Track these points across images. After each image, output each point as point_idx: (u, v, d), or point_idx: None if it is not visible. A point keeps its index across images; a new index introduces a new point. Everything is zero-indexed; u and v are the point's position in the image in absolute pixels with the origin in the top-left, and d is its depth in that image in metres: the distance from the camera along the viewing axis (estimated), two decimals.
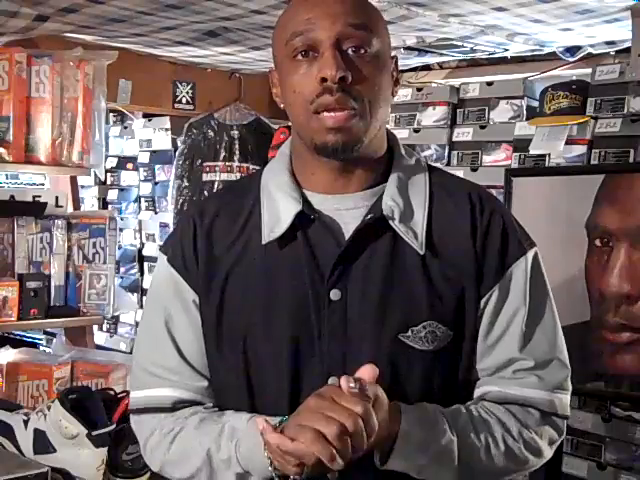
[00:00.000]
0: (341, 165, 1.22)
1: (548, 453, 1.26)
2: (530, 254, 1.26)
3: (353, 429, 1.01)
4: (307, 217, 1.22)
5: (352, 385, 1.04)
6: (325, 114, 1.16)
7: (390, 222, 1.20)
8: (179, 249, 1.28)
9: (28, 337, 4.07)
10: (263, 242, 1.22)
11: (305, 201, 1.23)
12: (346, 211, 1.23)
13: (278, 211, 1.23)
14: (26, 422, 1.79)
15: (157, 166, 3.73)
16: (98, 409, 1.74)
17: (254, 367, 1.22)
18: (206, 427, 1.21)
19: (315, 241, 1.21)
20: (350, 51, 1.16)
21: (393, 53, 1.27)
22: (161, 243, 3.72)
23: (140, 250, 3.84)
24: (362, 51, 1.17)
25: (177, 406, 1.26)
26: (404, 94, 3.06)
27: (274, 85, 1.27)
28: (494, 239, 1.24)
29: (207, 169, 3.48)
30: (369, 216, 1.20)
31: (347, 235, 1.21)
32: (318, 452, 1.01)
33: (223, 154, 3.47)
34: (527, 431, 1.22)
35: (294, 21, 1.18)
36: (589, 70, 2.62)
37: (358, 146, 1.18)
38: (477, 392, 1.25)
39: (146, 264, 3.82)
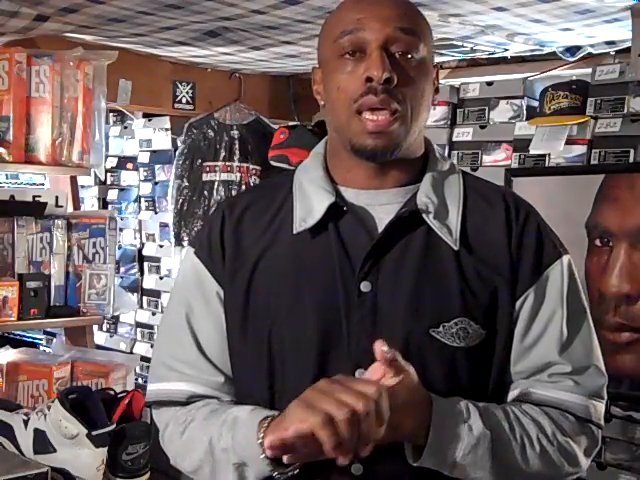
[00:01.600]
0: (377, 166, 1.23)
1: (584, 462, 1.22)
2: (565, 259, 1.26)
3: (364, 410, 0.99)
4: (340, 209, 1.22)
5: (385, 349, 1.04)
6: (367, 115, 1.17)
7: (424, 217, 1.21)
8: (206, 241, 1.29)
9: (28, 337, 4.07)
10: (294, 232, 1.22)
11: (338, 194, 1.24)
12: (379, 206, 1.23)
13: (311, 202, 1.24)
14: (26, 422, 1.79)
15: (157, 166, 3.73)
16: (98, 409, 1.74)
17: (279, 357, 1.21)
18: (213, 418, 1.20)
19: (347, 233, 1.21)
20: (397, 54, 1.18)
21: None
22: (161, 243, 3.73)
23: (140, 250, 3.85)
24: (409, 56, 1.18)
25: (191, 400, 1.26)
26: None
27: (315, 82, 1.29)
28: (530, 241, 1.23)
29: (207, 169, 3.48)
30: (403, 210, 1.21)
31: (380, 229, 1.21)
32: (326, 437, 0.98)
33: (223, 154, 3.47)
34: (561, 434, 1.19)
35: (344, 21, 1.20)
36: (589, 70, 2.62)
37: (397, 151, 1.20)
38: (511, 395, 1.23)
39: (146, 264, 3.83)
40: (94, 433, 1.69)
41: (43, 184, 3.77)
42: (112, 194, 3.99)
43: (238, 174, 3.47)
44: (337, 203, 1.22)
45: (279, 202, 1.28)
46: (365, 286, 1.18)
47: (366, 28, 1.17)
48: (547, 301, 1.22)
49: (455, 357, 1.17)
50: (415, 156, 1.26)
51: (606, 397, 1.25)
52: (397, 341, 1.14)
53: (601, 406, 1.24)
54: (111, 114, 3.88)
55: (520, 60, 2.97)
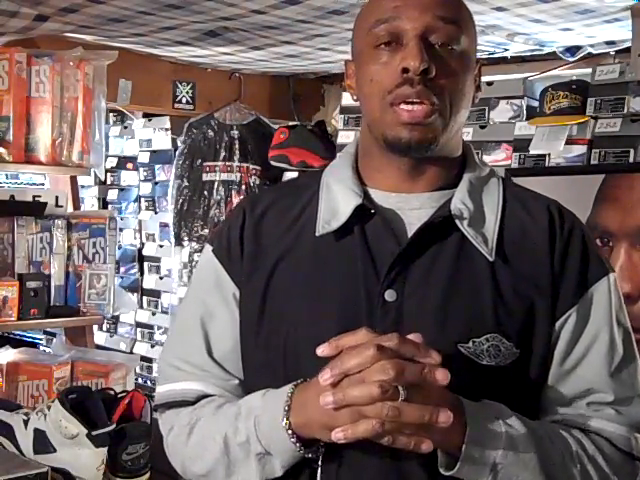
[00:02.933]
0: (411, 164, 1.15)
1: None
2: (612, 277, 1.16)
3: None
4: (367, 212, 1.14)
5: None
6: (402, 107, 1.09)
7: (458, 224, 1.12)
8: (225, 239, 1.22)
9: (28, 337, 4.07)
10: (317, 234, 1.14)
11: (366, 196, 1.16)
12: (410, 211, 1.15)
13: (336, 204, 1.16)
14: (26, 422, 1.79)
15: (157, 166, 3.73)
16: (98, 409, 1.74)
17: (294, 366, 1.12)
18: (223, 411, 1.14)
19: (373, 237, 1.13)
20: (436, 45, 1.10)
21: None
22: (161, 243, 3.73)
23: (140, 250, 3.85)
24: (449, 47, 1.10)
25: (201, 401, 1.20)
26: None
27: (348, 76, 1.21)
28: (574, 255, 1.14)
29: (207, 169, 3.48)
30: (436, 215, 1.12)
31: (409, 234, 1.13)
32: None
33: (223, 154, 3.47)
34: (602, 458, 1.09)
35: (380, 9, 1.12)
36: (589, 70, 2.62)
37: (433, 145, 1.11)
38: (545, 420, 1.14)
39: (146, 264, 3.83)
40: (94, 433, 1.69)
41: (43, 184, 3.77)
42: (112, 194, 3.99)
43: (238, 174, 3.48)
44: (364, 205, 1.14)
45: (304, 202, 1.20)
46: (390, 295, 1.10)
47: (403, 16, 1.09)
48: (591, 323, 1.13)
49: (485, 376, 1.08)
50: (452, 157, 1.18)
51: None
52: None
53: None
54: (111, 114, 3.89)
55: (520, 60, 2.97)
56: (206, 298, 1.23)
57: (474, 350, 1.08)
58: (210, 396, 1.20)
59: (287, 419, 1.04)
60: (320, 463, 1.07)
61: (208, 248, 1.26)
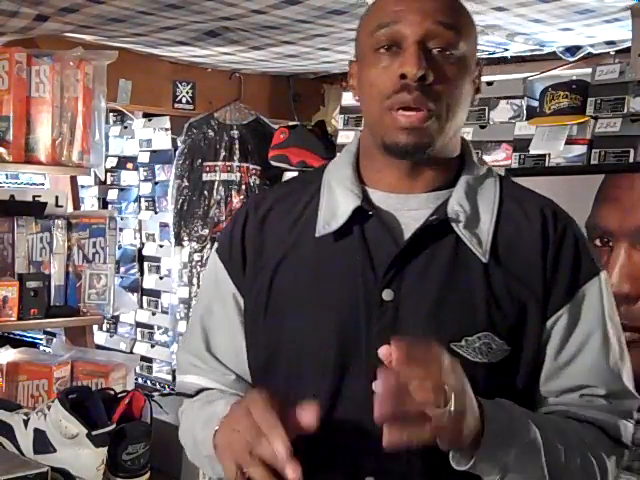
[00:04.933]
0: (410, 165, 1.18)
1: None
2: (603, 275, 1.20)
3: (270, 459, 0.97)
4: (366, 213, 1.17)
5: (388, 352, 0.95)
6: (400, 112, 1.12)
7: (454, 226, 1.15)
8: (228, 240, 1.27)
9: (28, 337, 4.07)
10: (317, 234, 1.18)
11: (365, 197, 1.19)
12: (408, 211, 1.19)
13: (336, 205, 1.19)
14: (26, 422, 1.79)
15: (157, 166, 3.73)
16: (98, 409, 1.74)
17: (294, 365, 1.18)
18: (206, 408, 1.21)
19: (371, 238, 1.16)
20: (435, 51, 1.12)
21: None
22: (161, 243, 3.73)
23: (140, 250, 3.85)
24: (447, 52, 1.13)
25: (200, 394, 1.28)
26: None
27: (351, 76, 1.24)
28: (566, 256, 1.17)
29: (207, 169, 3.49)
30: (433, 217, 1.15)
31: (406, 235, 1.16)
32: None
33: (223, 154, 3.48)
34: (599, 447, 1.14)
35: (382, 12, 1.15)
36: (589, 70, 2.62)
37: (430, 149, 1.14)
38: (541, 411, 1.18)
39: (146, 264, 3.83)
40: (94, 433, 1.68)
41: (43, 184, 3.77)
42: (112, 194, 3.99)
43: (238, 174, 3.48)
44: (363, 207, 1.17)
45: (306, 200, 1.24)
46: (387, 294, 1.13)
47: (403, 21, 1.12)
48: (583, 321, 1.17)
49: (476, 373, 1.09)
50: (450, 157, 1.21)
51: (635, 418, 1.21)
52: None
53: (631, 427, 1.19)
54: (111, 114, 3.89)
55: (520, 60, 2.97)
56: (208, 299, 1.29)
57: (467, 348, 1.12)
58: (209, 389, 1.27)
59: (216, 430, 1.10)
60: None
61: (214, 247, 1.31)
